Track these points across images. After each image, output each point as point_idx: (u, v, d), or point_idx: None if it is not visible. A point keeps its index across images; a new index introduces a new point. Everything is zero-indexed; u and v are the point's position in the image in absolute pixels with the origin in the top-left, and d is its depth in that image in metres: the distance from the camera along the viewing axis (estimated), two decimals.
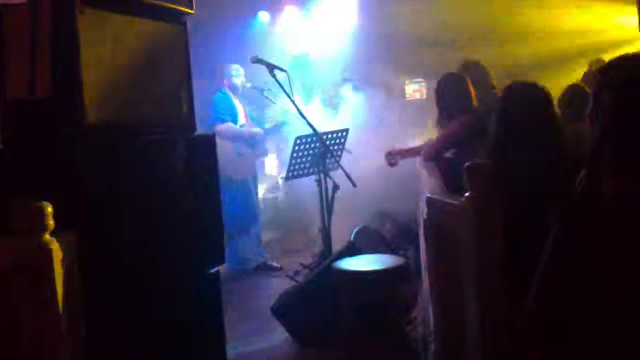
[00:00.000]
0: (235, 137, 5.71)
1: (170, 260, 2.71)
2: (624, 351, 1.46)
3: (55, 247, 1.85)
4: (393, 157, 4.46)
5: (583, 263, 1.51)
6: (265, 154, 6.11)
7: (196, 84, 2.93)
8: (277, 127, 5.89)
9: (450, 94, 4.02)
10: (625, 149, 1.50)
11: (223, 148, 5.55)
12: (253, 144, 5.83)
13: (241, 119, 5.85)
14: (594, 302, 1.49)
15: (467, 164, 2.30)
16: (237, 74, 5.80)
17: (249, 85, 5.79)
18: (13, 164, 2.33)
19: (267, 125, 6.02)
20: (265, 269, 5.77)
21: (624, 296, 1.46)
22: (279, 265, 5.79)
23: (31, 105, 2.34)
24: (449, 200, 2.50)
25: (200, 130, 3.05)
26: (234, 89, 5.80)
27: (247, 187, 5.84)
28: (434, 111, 4.21)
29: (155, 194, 2.66)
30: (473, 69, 4.45)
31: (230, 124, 5.72)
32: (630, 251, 1.46)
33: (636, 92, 1.51)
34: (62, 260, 1.88)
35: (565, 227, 1.58)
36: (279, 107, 5.53)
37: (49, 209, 1.88)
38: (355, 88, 6.28)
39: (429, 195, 2.78)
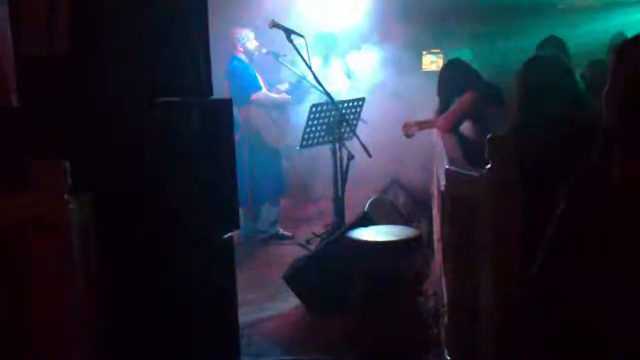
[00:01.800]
0: (271, 104, 5.70)
1: (184, 224, 2.70)
2: (624, 324, 1.46)
3: (72, 205, 1.84)
4: (410, 129, 4.43)
5: (590, 237, 1.50)
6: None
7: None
8: (296, 85, 5.80)
9: (446, 86, 4.12)
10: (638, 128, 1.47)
11: (259, 113, 5.57)
12: (284, 111, 5.82)
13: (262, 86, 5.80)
14: (597, 276, 1.49)
15: (489, 136, 2.27)
16: (250, 39, 5.69)
17: (264, 50, 5.69)
18: (30, 123, 2.32)
19: (282, 88, 5.94)
20: (278, 237, 5.78)
21: (628, 271, 1.45)
22: (290, 234, 5.80)
23: (48, 62, 2.31)
24: (469, 172, 2.47)
25: None
26: (249, 54, 5.69)
27: (278, 156, 5.84)
28: None
29: (170, 157, 2.65)
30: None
31: (265, 91, 5.69)
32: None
33: None
34: (79, 218, 1.88)
35: (574, 200, 1.56)
36: (297, 74, 5.44)
37: (67, 167, 1.87)
38: (357, 48, 6.21)
39: (447, 167, 2.75)
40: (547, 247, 1.60)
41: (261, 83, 5.76)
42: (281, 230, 5.84)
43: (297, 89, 5.78)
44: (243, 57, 5.68)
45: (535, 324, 1.70)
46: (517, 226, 2.16)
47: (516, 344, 2.10)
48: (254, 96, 5.57)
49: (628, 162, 1.48)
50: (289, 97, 5.83)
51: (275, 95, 5.77)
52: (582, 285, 1.51)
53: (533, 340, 1.75)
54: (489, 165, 2.23)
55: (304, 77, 5.25)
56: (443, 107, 4.11)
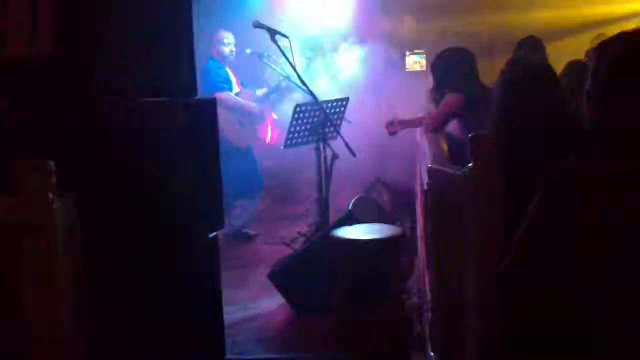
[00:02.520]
0: (235, 108, 5.66)
1: (169, 224, 2.71)
2: (594, 319, 1.49)
3: (58, 205, 1.85)
4: (394, 127, 4.46)
5: (564, 234, 1.53)
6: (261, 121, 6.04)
7: None
8: (275, 89, 5.80)
9: (444, 70, 4.08)
10: (620, 126, 1.51)
11: (224, 116, 5.53)
12: (251, 117, 5.80)
13: (235, 88, 5.78)
14: (570, 272, 1.52)
15: (471, 135, 2.30)
16: (228, 42, 5.68)
17: (248, 51, 5.69)
18: (16, 124, 2.31)
19: (259, 93, 5.94)
20: (241, 236, 5.72)
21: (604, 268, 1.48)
22: (255, 233, 5.78)
23: (33, 63, 2.31)
24: (452, 171, 2.50)
25: None
26: (224, 57, 5.68)
27: (250, 155, 5.82)
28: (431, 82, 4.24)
29: (155, 158, 2.66)
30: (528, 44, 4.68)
31: (230, 94, 5.66)
32: (616, 232, 1.47)
33: (633, 66, 1.50)
34: (64, 217, 1.88)
35: (551, 196, 1.60)
36: (281, 74, 5.44)
37: (52, 167, 1.87)
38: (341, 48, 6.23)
39: (431, 165, 2.78)
40: (519, 240, 1.63)
41: (235, 85, 5.75)
42: (246, 230, 5.80)
43: (277, 92, 5.77)
44: (219, 58, 5.68)
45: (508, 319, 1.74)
46: (499, 224, 2.18)
47: (500, 341, 2.13)
48: (217, 96, 5.47)
49: (608, 159, 1.51)
50: (255, 106, 5.76)
51: (240, 100, 5.71)
52: (555, 282, 1.54)
53: (515, 336, 1.78)
54: (471, 164, 2.26)
55: (288, 77, 5.25)
56: (436, 89, 4.13)
